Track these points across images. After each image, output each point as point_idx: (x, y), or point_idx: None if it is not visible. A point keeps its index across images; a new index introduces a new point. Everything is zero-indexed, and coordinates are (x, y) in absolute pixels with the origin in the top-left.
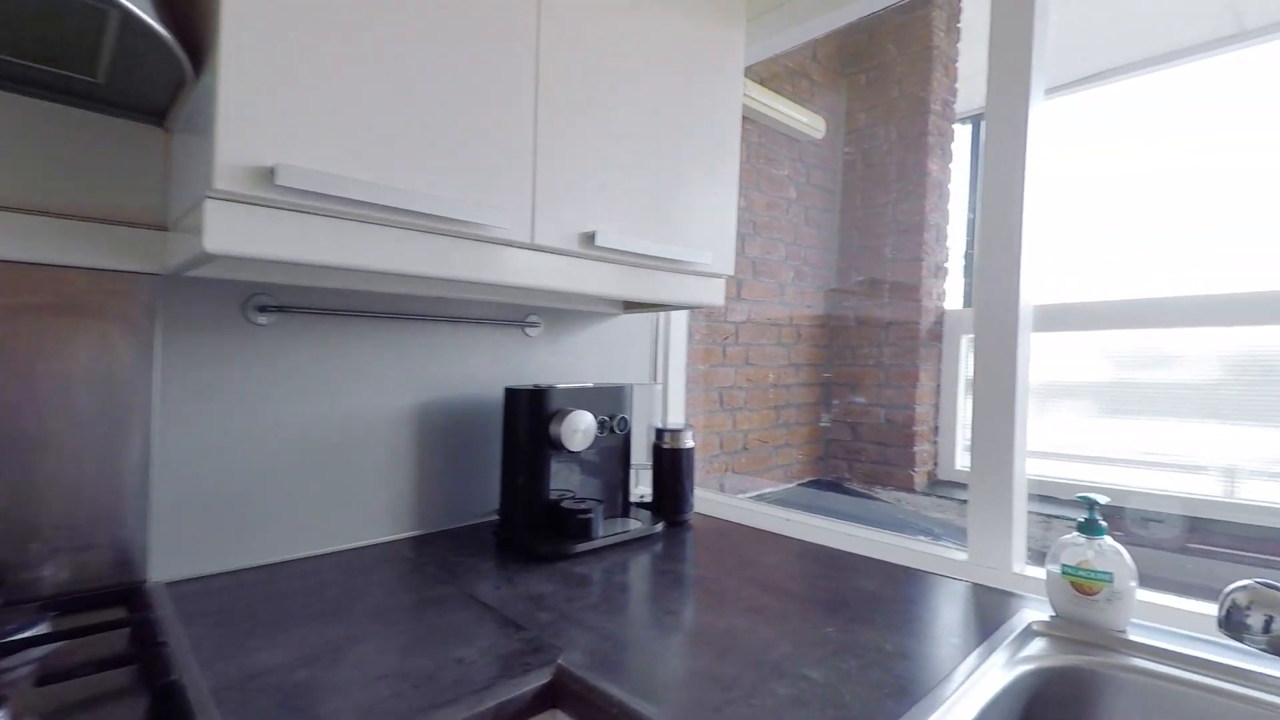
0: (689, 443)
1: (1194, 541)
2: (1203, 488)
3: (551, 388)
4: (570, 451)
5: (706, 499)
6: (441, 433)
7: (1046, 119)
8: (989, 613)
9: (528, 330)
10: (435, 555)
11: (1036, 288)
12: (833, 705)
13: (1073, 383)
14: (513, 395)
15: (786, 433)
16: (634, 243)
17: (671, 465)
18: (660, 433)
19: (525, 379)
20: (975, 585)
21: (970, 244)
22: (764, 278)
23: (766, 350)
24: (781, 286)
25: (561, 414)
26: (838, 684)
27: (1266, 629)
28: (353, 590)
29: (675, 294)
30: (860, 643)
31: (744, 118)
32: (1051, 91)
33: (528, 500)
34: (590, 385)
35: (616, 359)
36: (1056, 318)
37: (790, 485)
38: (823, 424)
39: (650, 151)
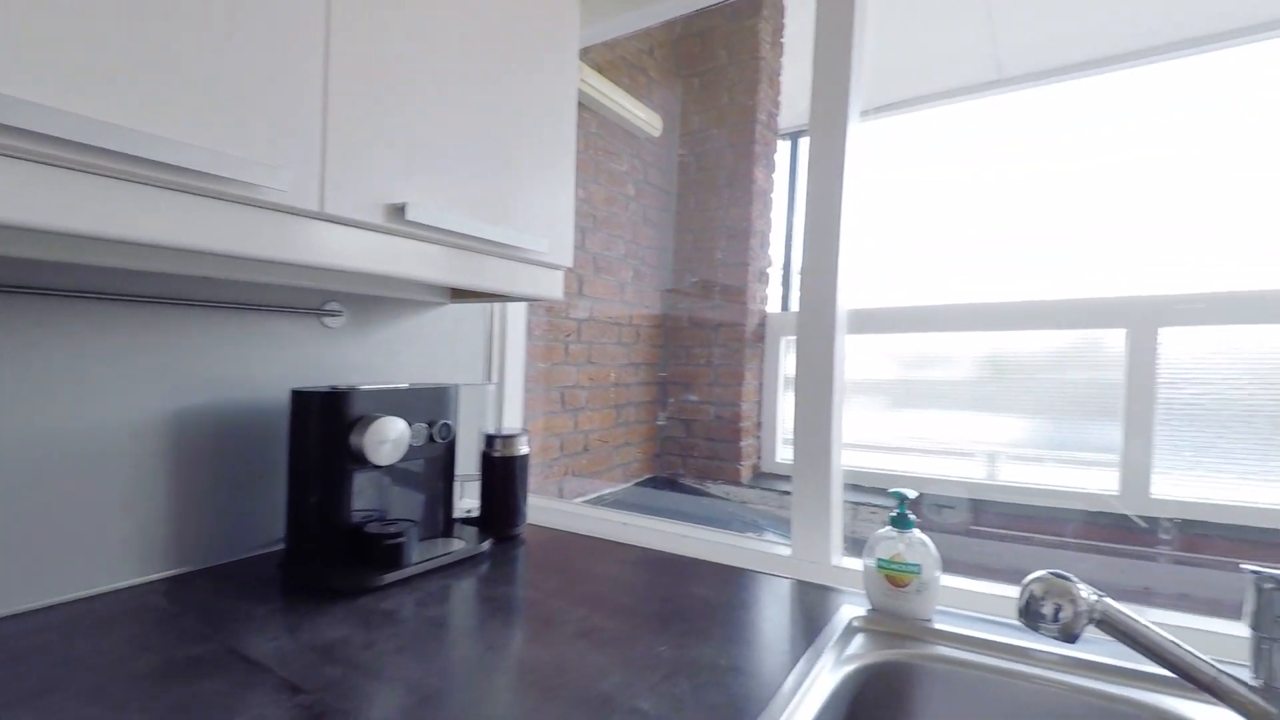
0: (523, 449)
1: (974, 524)
2: (972, 471)
3: (352, 390)
4: (377, 466)
5: (541, 507)
6: (210, 446)
7: (867, 139)
8: (814, 610)
9: (327, 320)
10: (197, 601)
11: (852, 294)
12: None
13: (865, 380)
14: (302, 400)
15: (626, 432)
16: (456, 221)
17: (503, 475)
18: (491, 439)
19: (324, 379)
20: (799, 582)
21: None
22: (605, 275)
23: (608, 349)
24: (622, 285)
25: (365, 422)
26: (670, 715)
27: (1056, 617)
28: (71, 659)
29: (509, 283)
30: (694, 660)
31: (582, 105)
32: (867, 114)
33: (322, 525)
34: (405, 386)
35: (443, 356)
36: (864, 321)
37: (629, 485)
38: (659, 422)
39: (477, 118)
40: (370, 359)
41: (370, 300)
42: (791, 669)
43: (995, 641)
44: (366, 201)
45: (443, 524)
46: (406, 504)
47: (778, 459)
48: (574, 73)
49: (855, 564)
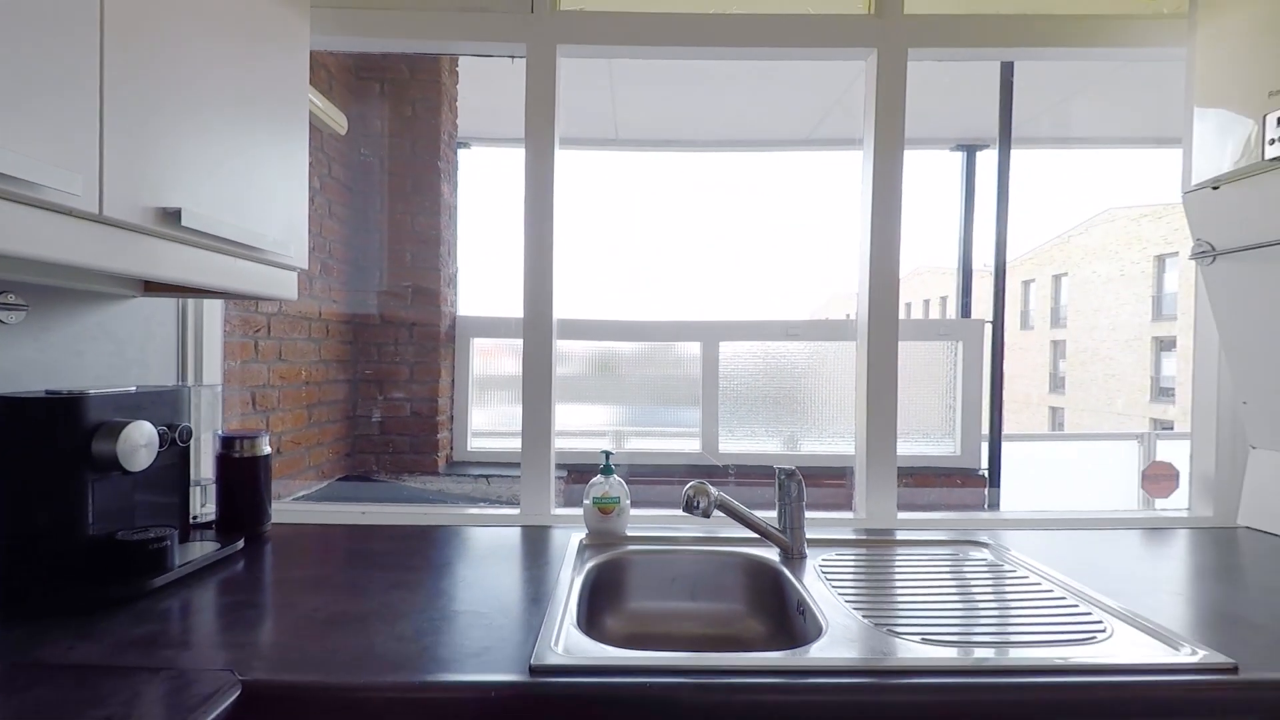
0: (265, 449)
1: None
2: (606, 444)
3: (86, 395)
4: (128, 472)
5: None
6: None
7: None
8: (551, 541)
9: (2, 316)
10: None
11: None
12: (501, 614)
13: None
14: (18, 408)
15: (318, 432)
16: (206, 220)
17: (247, 476)
18: (230, 441)
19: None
20: (532, 528)
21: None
22: None
23: (299, 346)
24: (310, 279)
25: (113, 428)
26: (499, 607)
27: (699, 505)
28: None
29: (244, 282)
30: (496, 575)
31: None
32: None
33: (60, 540)
34: (134, 390)
35: (133, 355)
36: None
37: (323, 485)
38: (353, 420)
39: (228, 119)
40: (52, 359)
41: (51, 292)
42: (560, 568)
43: (660, 536)
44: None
45: (185, 529)
46: (146, 510)
47: (469, 448)
48: (305, 83)
49: (562, 511)
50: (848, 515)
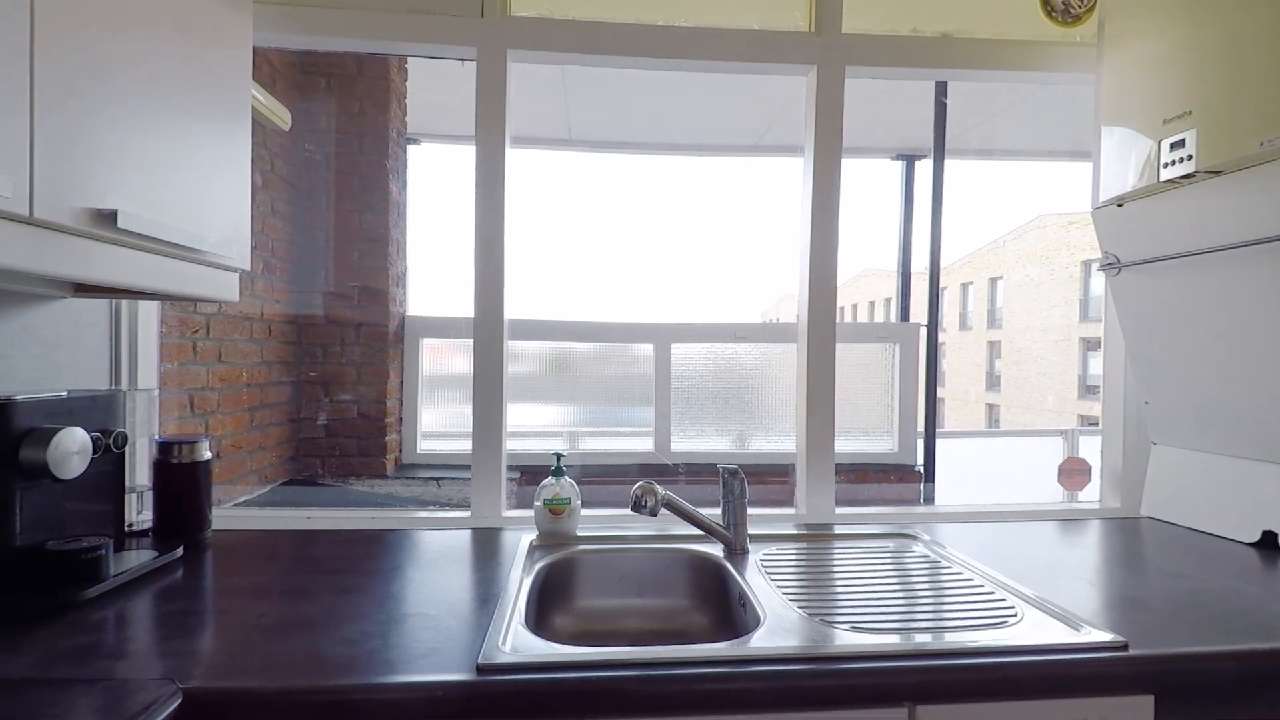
0: (205, 454)
1: (583, 479)
2: (560, 445)
3: (13, 401)
4: (59, 480)
5: (223, 514)
6: None
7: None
8: (500, 543)
9: None
10: None
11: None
12: (449, 616)
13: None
14: None
15: (261, 435)
16: (147, 224)
17: (187, 482)
18: (168, 446)
19: None
20: (482, 530)
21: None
22: None
23: (240, 347)
24: (252, 278)
25: (43, 434)
26: (450, 607)
27: (647, 504)
28: None
29: (183, 284)
30: (449, 578)
31: None
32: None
33: None
34: (65, 395)
35: (62, 358)
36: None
37: (266, 489)
38: (297, 423)
39: (166, 117)
40: None
41: None
42: (510, 569)
43: (610, 535)
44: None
45: (120, 537)
46: (79, 519)
47: (419, 450)
48: (248, 81)
49: (514, 513)
50: (790, 511)
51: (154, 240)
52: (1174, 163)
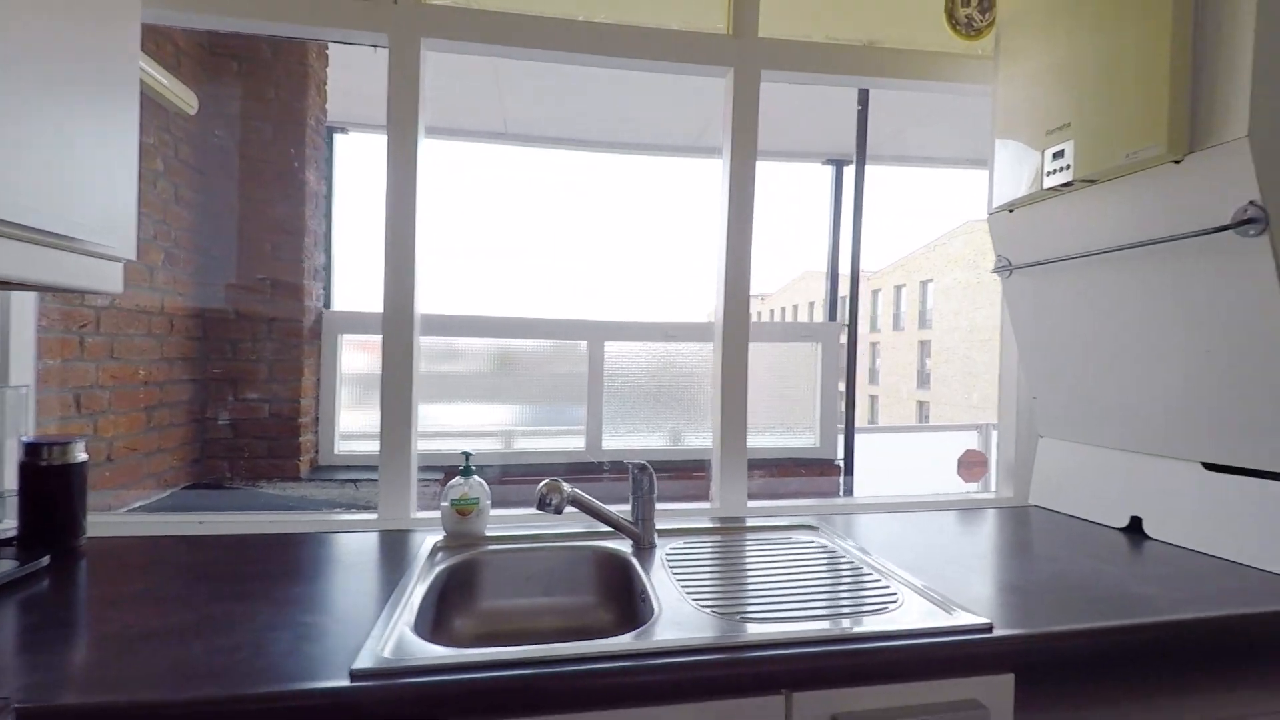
0: (80, 456)
1: (504, 477)
2: (494, 445)
3: None
4: None
5: (105, 521)
6: None
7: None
8: (407, 545)
9: None
10: None
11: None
12: (336, 622)
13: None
14: None
15: (160, 436)
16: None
17: (58, 485)
18: (37, 447)
19: None
20: (389, 532)
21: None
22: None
23: (136, 343)
24: (151, 270)
25: None
26: (337, 614)
27: (551, 501)
28: None
29: (59, 275)
30: (342, 585)
31: None
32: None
33: None
34: None
35: None
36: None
37: (166, 494)
38: (202, 423)
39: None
40: None
41: None
42: (408, 573)
43: (520, 535)
44: None
45: None
46: None
47: (336, 451)
48: (135, 58)
49: (425, 514)
50: (705, 505)
51: (20, 227)
52: (1055, 171)
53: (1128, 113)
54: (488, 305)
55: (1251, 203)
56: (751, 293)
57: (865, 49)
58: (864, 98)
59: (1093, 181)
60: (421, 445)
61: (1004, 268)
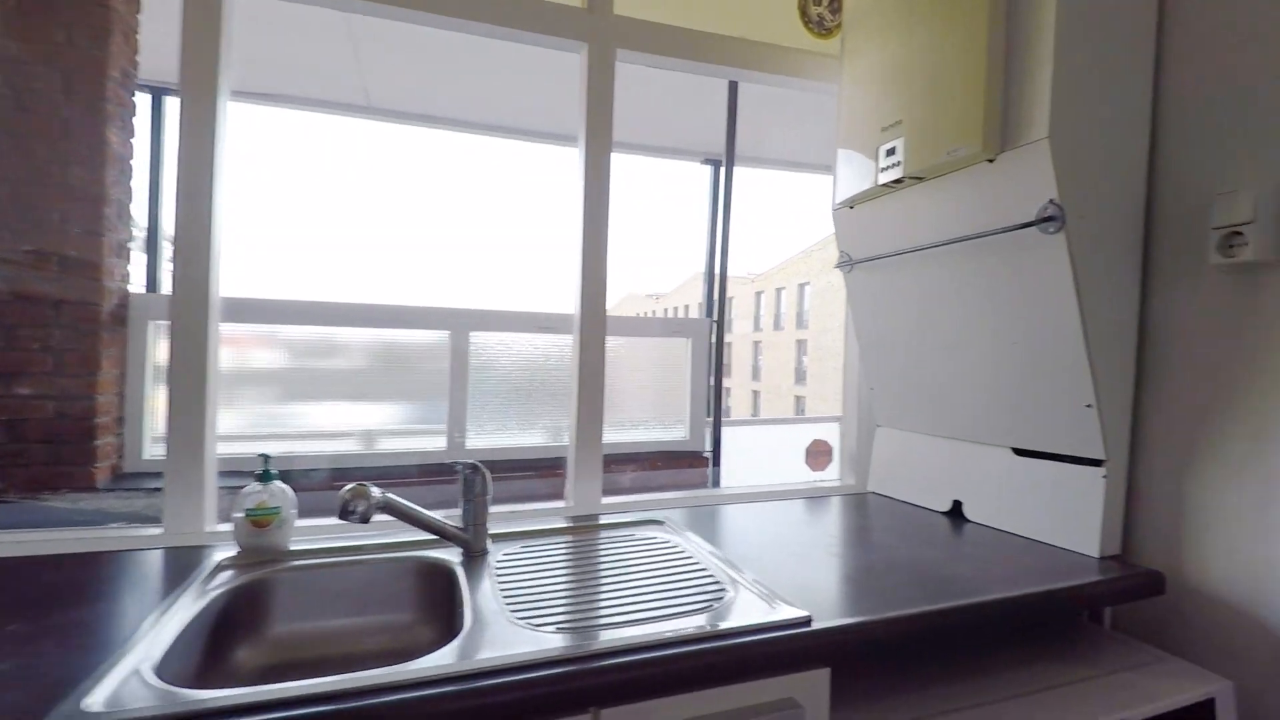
0: None
1: (338, 480)
2: (350, 446)
3: None
4: None
5: None
6: None
7: (246, 123)
8: (187, 566)
9: None
10: None
11: (228, 281)
12: (59, 666)
13: (259, 370)
14: None
15: None
16: None
17: None
18: None
19: None
20: (174, 549)
21: (151, 225)
22: None
23: None
24: None
25: None
26: (56, 658)
27: (357, 510)
28: None
29: None
30: (71, 623)
31: None
32: (242, 94)
33: None
34: None
35: None
36: (243, 310)
37: None
38: None
39: None
40: None
41: None
42: (173, 599)
43: (332, 548)
44: None
45: None
46: None
47: (145, 456)
48: None
49: (226, 527)
50: (559, 504)
51: None
52: (888, 168)
53: (949, 112)
54: (349, 291)
55: (1051, 201)
56: (647, 292)
57: (722, 38)
58: (734, 94)
59: (920, 179)
60: (277, 447)
61: (845, 263)
